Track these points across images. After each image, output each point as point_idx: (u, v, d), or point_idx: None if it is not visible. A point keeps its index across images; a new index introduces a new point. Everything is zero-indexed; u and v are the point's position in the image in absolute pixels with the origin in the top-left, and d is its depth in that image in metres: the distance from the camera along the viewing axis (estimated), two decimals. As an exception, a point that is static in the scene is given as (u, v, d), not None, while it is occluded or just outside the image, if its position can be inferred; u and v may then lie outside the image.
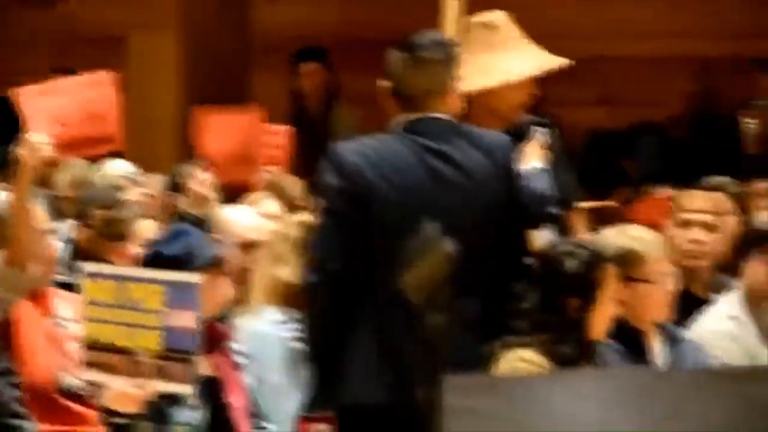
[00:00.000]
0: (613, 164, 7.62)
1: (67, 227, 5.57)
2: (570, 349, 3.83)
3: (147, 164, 7.24)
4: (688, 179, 6.15)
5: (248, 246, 5.11)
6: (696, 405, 1.81)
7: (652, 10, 7.89)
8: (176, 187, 6.69)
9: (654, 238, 4.24)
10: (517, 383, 1.83)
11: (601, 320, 3.90)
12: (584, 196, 6.80)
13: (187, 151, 7.50)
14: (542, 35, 7.35)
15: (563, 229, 4.43)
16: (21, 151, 4.59)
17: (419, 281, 1.96)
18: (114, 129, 4.62)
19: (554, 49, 5.93)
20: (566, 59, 4.45)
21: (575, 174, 5.22)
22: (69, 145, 4.59)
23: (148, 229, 5.43)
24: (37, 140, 4.56)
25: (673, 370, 2.91)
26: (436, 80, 3.98)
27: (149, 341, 3.89)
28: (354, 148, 4.02)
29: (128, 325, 3.91)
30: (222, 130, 6.78)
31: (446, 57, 4.01)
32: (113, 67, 8.39)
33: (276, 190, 6.51)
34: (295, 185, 6.71)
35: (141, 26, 8.48)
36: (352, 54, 8.37)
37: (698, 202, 4.78)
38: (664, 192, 6.46)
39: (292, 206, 6.37)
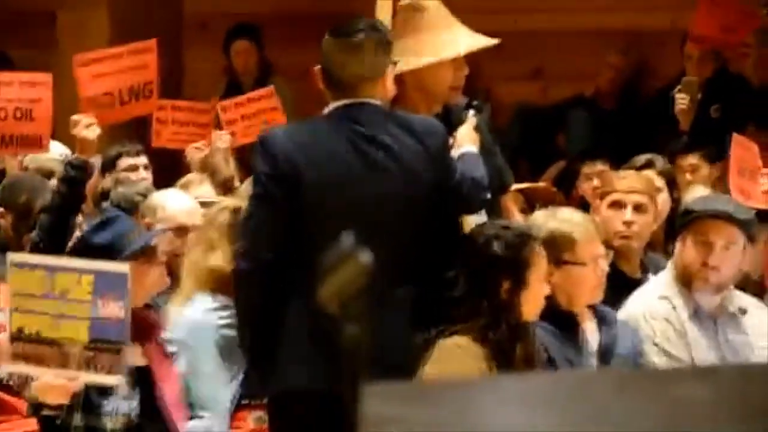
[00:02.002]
0: (546, 139, 7.64)
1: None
2: (503, 333, 3.84)
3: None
4: (619, 154, 6.18)
5: (181, 231, 5.06)
6: (621, 406, 1.81)
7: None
8: (111, 166, 6.61)
9: (585, 220, 4.25)
10: (440, 389, 1.82)
11: (532, 302, 3.91)
12: (517, 172, 6.84)
13: (120, 130, 7.42)
14: (474, 10, 7.33)
15: (496, 212, 4.43)
16: None
17: (335, 293, 1.94)
18: (44, 131, 4.57)
19: (486, 24, 5.92)
20: (495, 39, 4.44)
21: (508, 153, 5.23)
22: None
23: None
24: None
25: (599, 372, 2.92)
26: (368, 66, 3.97)
27: (77, 332, 3.85)
28: (285, 134, 4.01)
29: (56, 315, 3.86)
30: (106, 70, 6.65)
31: (378, 42, 4.00)
32: (43, 43, 8.36)
33: (209, 171, 6.46)
34: (228, 166, 6.66)
35: (71, 2, 8.36)
36: (286, 29, 8.32)
37: (629, 182, 4.79)
38: (596, 166, 6.48)
39: (225, 188, 6.33)
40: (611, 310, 4.33)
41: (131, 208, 5.41)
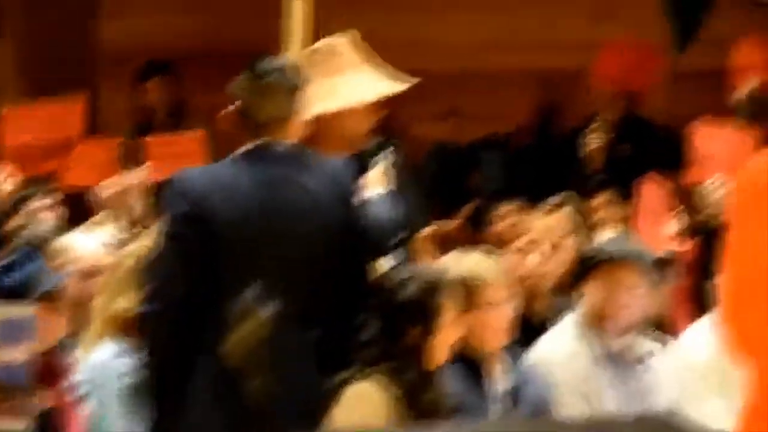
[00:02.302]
0: (460, 178, 7.67)
1: None
2: (412, 377, 3.83)
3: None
4: (533, 194, 6.22)
5: (89, 273, 5.00)
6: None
7: (496, 23, 7.96)
8: (19, 206, 6.52)
9: (493, 263, 4.27)
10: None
11: (442, 346, 3.91)
12: (432, 212, 6.86)
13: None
14: (390, 50, 7.38)
15: (408, 254, 4.44)
16: None
17: (239, 346, 1.93)
18: None
19: (402, 64, 5.94)
20: (409, 81, 4.46)
21: (422, 193, 5.25)
22: None
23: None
24: None
25: (500, 421, 2.93)
26: (282, 107, 3.98)
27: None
28: (199, 174, 4.01)
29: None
30: (26, 122, 6.61)
31: (292, 83, 4.01)
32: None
33: (119, 211, 6.40)
34: (138, 205, 6.61)
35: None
36: (201, 68, 8.29)
37: (540, 224, 4.83)
38: (510, 207, 6.51)
39: (135, 228, 6.28)
40: (520, 353, 4.35)
41: (39, 247, 5.35)
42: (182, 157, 6.37)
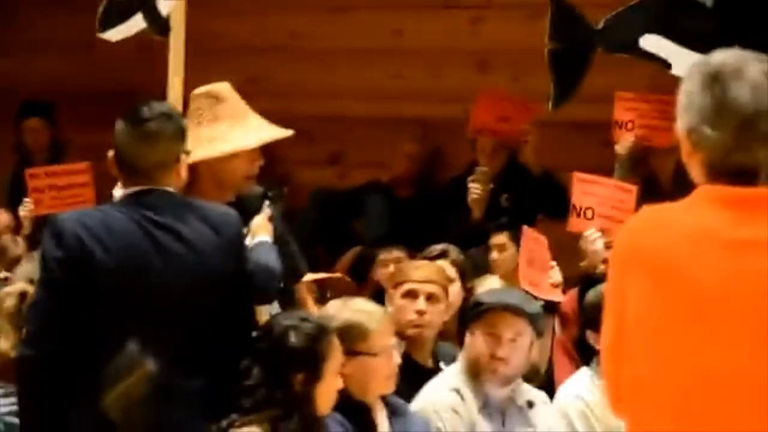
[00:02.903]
0: (342, 224, 7.69)
1: None
2: (295, 425, 3.81)
3: None
4: (415, 241, 6.26)
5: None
6: None
7: (382, 69, 8.02)
8: None
9: (377, 310, 4.27)
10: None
11: (326, 394, 3.90)
12: (314, 256, 6.85)
13: None
14: (275, 95, 7.41)
15: (290, 301, 4.43)
16: None
17: (119, 400, 1.90)
18: None
19: (287, 109, 5.95)
20: (289, 130, 4.47)
21: (304, 239, 5.24)
22: None
23: None
24: None
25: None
26: (163, 153, 3.93)
27: None
28: (76, 218, 3.93)
29: None
30: None
31: (173, 130, 3.96)
32: None
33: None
34: (16, 245, 6.50)
35: None
36: (77, 107, 8.20)
37: (422, 272, 4.85)
38: (392, 253, 6.54)
39: (12, 267, 6.17)
40: (402, 400, 4.35)
41: None
42: (66, 189, 6.29)
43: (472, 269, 5.55)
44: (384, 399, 4.27)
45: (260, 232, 4.23)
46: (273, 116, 4.56)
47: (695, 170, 2.75)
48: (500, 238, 6.13)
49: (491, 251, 6.10)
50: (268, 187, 4.49)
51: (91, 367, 3.76)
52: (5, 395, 4.39)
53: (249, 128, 4.38)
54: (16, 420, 4.16)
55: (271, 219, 4.32)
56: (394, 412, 4.27)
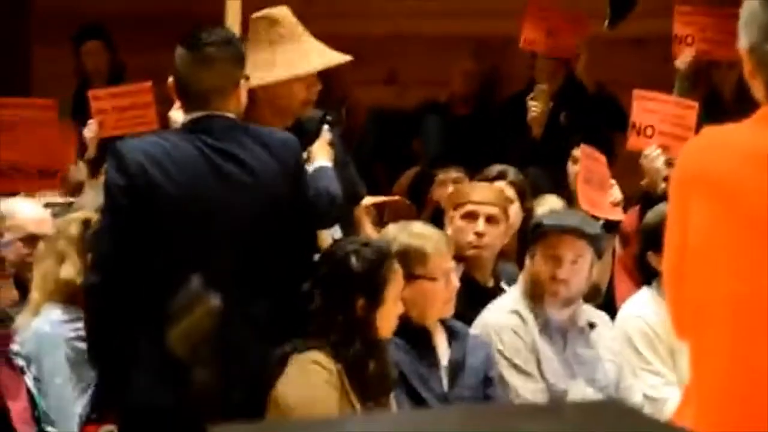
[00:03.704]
0: (401, 144, 7.67)
1: None
2: (358, 349, 3.84)
3: None
4: (473, 160, 6.24)
5: (30, 240, 4.96)
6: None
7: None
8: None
9: (436, 234, 4.27)
10: (287, 429, 1.82)
11: (387, 319, 3.92)
12: (373, 176, 6.86)
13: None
14: (328, 15, 7.37)
15: (349, 225, 4.44)
16: None
17: (184, 337, 1.92)
18: None
19: (340, 29, 5.92)
20: (346, 55, 4.45)
21: (363, 158, 5.25)
22: None
23: None
24: None
25: (443, 410, 2.95)
26: (222, 79, 3.94)
27: None
28: (137, 146, 3.96)
29: None
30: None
31: (231, 55, 3.97)
32: None
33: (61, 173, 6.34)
34: (78, 170, 6.55)
35: None
36: (135, 29, 8.21)
37: (481, 193, 4.84)
38: (451, 173, 6.53)
39: (75, 192, 6.23)
40: (461, 323, 4.37)
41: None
42: (129, 110, 6.31)
43: (531, 189, 5.52)
44: (443, 322, 4.29)
45: (320, 156, 4.24)
46: (328, 37, 4.55)
47: (758, 89, 2.71)
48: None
49: (573, 164, 5.98)
50: (326, 111, 4.49)
51: (156, 292, 3.82)
52: (72, 320, 4.46)
53: (307, 53, 4.37)
54: (83, 345, 4.23)
55: (330, 143, 4.33)
56: (453, 336, 4.30)
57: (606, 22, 5.17)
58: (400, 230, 4.23)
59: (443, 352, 4.25)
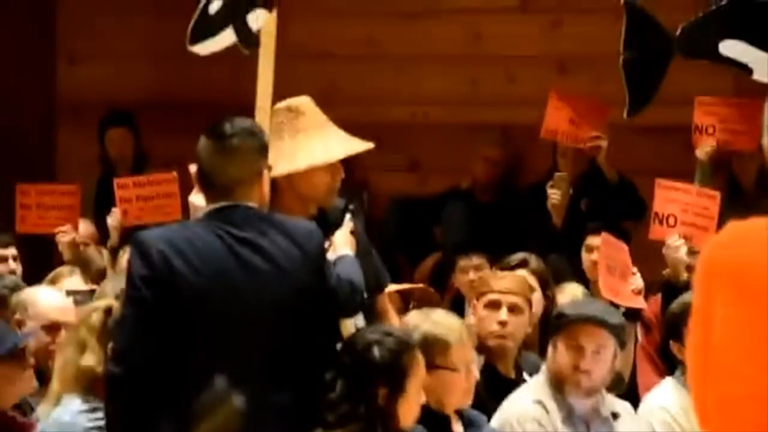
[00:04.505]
0: (422, 231, 7.68)
1: None
2: (380, 438, 3.82)
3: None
4: (495, 247, 6.24)
5: (52, 328, 4.97)
6: None
7: (460, 76, 8.01)
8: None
9: (458, 324, 4.26)
10: None
11: (409, 409, 3.90)
12: (394, 263, 6.86)
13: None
14: (349, 102, 7.43)
15: (373, 313, 4.44)
16: None
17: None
18: None
19: (362, 116, 5.96)
20: (369, 142, 4.48)
21: (385, 248, 5.25)
22: None
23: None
24: None
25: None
26: (245, 169, 3.96)
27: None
28: (160, 235, 3.97)
29: None
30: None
31: (255, 145, 4.00)
32: None
33: (81, 263, 6.37)
34: (100, 257, 6.58)
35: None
36: (160, 116, 8.28)
37: (504, 283, 4.84)
38: (472, 260, 6.53)
39: (98, 279, 6.24)
40: (478, 412, 4.34)
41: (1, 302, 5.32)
42: (153, 200, 6.34)
43: (552, 276, 5.52)
44: (460, 411, 4.27)
45: (342, 245, 4.25)
46: (351, 123, 4.58)
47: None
48: (597, 240, 6.06)
49: (588, 253, 5.98)
50: (350, 200, 4.50)
51: (177, 384, 3.81)
52: (92, 410, 4.44)
53: (330, 142, 4.40)
54: (104, 435, 4.21)
55: (353, 232, 4.34)
56: (469, 425, 4.27)
57: (625, 111, 5.19)
58: (422, 319, 4.23)
59: (462, 442, 4.22)
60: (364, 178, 7.73)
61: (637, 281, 5.34)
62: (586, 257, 6.00)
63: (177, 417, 3.70)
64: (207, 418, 1.89)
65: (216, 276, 3.87)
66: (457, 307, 5.86)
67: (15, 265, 6.45)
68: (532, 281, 5.13)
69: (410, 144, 8.04)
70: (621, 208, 6.70)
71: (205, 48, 4.95)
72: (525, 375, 4.76)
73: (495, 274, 5.07)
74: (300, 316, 3.93)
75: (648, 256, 5.68)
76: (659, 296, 5.45)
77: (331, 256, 4.15)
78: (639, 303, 5.31)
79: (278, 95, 4.64)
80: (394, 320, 4.60)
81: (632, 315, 5.18)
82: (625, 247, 5.42)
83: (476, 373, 4.24)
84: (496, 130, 7.77)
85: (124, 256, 5.59)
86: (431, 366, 4.07)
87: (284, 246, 3.94)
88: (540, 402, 4.41)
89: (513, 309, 4.77)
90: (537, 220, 6.76)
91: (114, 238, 6.47)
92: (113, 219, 6.44)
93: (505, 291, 4.79)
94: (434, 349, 4.11)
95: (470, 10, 8.02)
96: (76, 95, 8.62)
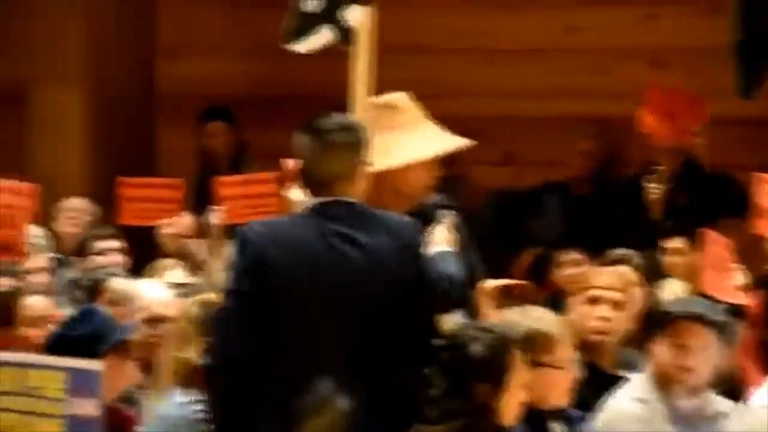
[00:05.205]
0: (518, 225, 7.66)
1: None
2: (481, 435, 3.82)
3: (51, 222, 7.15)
4: (593, 241, 6.21)
5: (155, 321, 5.04)
6: None
7: (552, 70, 7.98)
8: (84, 250, 6.60)
9: (559, 321, 4.24)
10: None
11: (511, 406, 3.89)
12: (489, 258, 6.84)
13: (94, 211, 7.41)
14: (449, 94, 7.43)
15: (470, 309, 4.44)
16: None
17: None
18: (21, 240, 4.48)
19: (459, 110, 5.95)
20: (465, 139, 4.48)
21: (481, 243, 5.23)
22: None
23: (40, 306, 5.23)
24: None
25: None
26: (344, 164, 3.99)
27: (52, 429, 3.81)
28: (261, 230, 4.02)
29: (29, 413, 3.82)
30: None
31: (353, 141, 4.02)
32: (13, 120, 8.34)
33: (183, 256, 6.46)
34: (201, 249, 6.66)
35: (43, 80, 8.36)
36: (258, 109, 8.35)
37: (605, 278, 4.81)
38: (571, 255, 6.50)
39: (198, 271, 6.32)
40: (577, 410, 4.31)
41: (95, 291, 5.42)
42: (255, 198, 6.41)
43: (652, 272, 5.48)
44: (559, 410, 4.24)
45: (440, 240, 4.26)
46: (447, 117, 4.58)
47: None
48: (676, 242, 6.03)
49: (667, 255, 5.99)
50: (447, 195, 4.51)
51: (276, 375, 3.85)
52: (194, 402, 4.49)
53: (427, 138, 4.41)
54: (205, 427, 4.27)
55: (450, 227, 4.34)
56: (568, 422, 4.25)
57: (742, 92, 5.10)
58: (521, 316, 4.21)
59: (558, 438, 4.20)
60: (461, 173, 7.72)
61: (740, 277, 5.28)
62: (667, 259, 5.96)
63: (275, 409, 3.75)
64: (312, 420, 1.91)
65: (314, 271, 3.91)
66: (556, 303, 5.84)
67: (120, 257, 6.55)
68: (633, 277, 5.10)
69: (505, 137, 8.02)
70: (720, 203, 6.63)
71: (301, 46, 4.97)
72: (626, 372, 4.73)
73: (596, 270, 5.05)
74: (397, 310, 3.94)
75: (751, 252, 5.62)
76: (763, 292, 5.38)
77: (429, 251, 4.16)
78: (742, 299, 5.24)
79: (374, 89, 4.66)
80: (492, 316, 4.59)
81: (735, 312, 5.11)
82: (727, 243, 5.36)
83: (577, 371, 4.21)
84: (592, 122, 7.73)
85: (225, 249, 5.66)
86: (535, 363, 4.05)
87: (383, 241, 3.97)
88: (642, 400, 4.37)
89: (614, 305, 4.74)
90: (633, 214, 6.72)
91: (215, 234, 6.55)
92: (215, 217, 6.52)
93: (607, 287, 4.76)
94: (538, 345, 4.09)
95: (566, 2, 7.98)
96: (175, 90, 8.72)
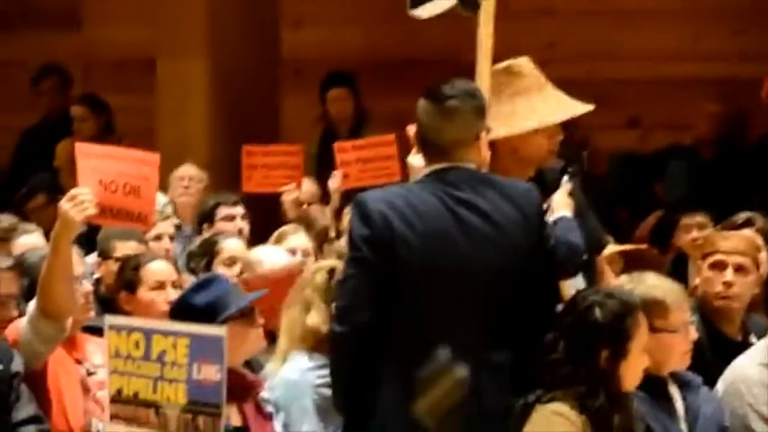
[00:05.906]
0: (644, 188, 7.58)
1: (92, 262, 5.56)
2: (603, 401, 3.79)
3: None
4: (718, 204, 6.10)
5: (279, 288, 5.08)
6: None
7: (679, 33, 7.85)
8: (209, 217, 6.69)
9: (674, 286, 4.18)
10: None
11: (632, 371, 3.86)
12: (615, 220, 6.79)
13: (218, 178, 7.52)
14: (573, 57, 7.37)
15: (591, 274, 4.40)
16: (65, 205, 4.41)
17: (432, 407, 1.93)
18: (149, 210, 4.54)
19: (583, 73, 5.89)
20: (588, 105, 4.42)
21: (605, 202, 5.19)
22: (103, 211, 4.49)
23: (166, 272, 5.31)
24: (84, 197, 4.39)
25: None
26: (464, 130, 3.97)
27: (175, 394, 3.86)
28: (381, 197, 4.01)
29: (153, 378, 3.88)
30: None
31: (473, 107, 4.00)
32: (140, 89, 8.47)
33: (305, 222, 6.50)
34: (324, 216, 6.70)
35: (169, 51, 8.48)
36: (379, 76, 8.37)
37: (731, 243, 4.73)
38: (695, 218, 6.41)
39: (321, 238, 6.37)
40: (694, 374, 4.26)
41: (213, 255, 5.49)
42: (372, 162, 6.42)
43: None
44: (675, 374, 4.20)
45: (561, 207, 4.22)
46: (570, 81, 4.53)
47: None
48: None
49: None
50: (568, 161, 4.46)
51: (398, 342, 3.86)
52: (318, 368, 4.54)
53: (549, 104, 4.36)
54: (330, 392, 4.31)
55: (571, 194, 4.30)
56: (684, 386, 4.20)
57: None
58: (636, 282, 4.16)
59: (678, 402, 4.15)
60: (584, 137, 7.65)
61: None
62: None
63: (398, 373, 3.76)
64: (430, 388, 1.90)
65: (435, 236, 3.90)
66: (679, 266, 5.76)
67: (243, 224, 6.62)
68: (759, 241, 5.00)
69: (631, 100, 7.93)
70: None
71: (424, 12, 4.95)
72: (752, 338, 4.65)
73: (721, 234, 4.96)
74: (518, 276, 3.93)
75: None
76: None
77: (549, 217, 4.13)
78: None
79: (497, 54, 4.61)
80: (613, 281, 4.55)
81: None
82: None
83: (694, 335, 4.16)
84: (719, 85, 7.59)
85: (346, 216, 5.70)
86: (650, 329, 4.01)
87: (503, 207, 3.94)
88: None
89: (739, 269, 4.66)
90: (762, 178, 6.59)
91: (335, 199, 6.58)
92: (334, 182, 6.55)
93: (732, 251, 4.68)
94: (653, 311, 4.05)
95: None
96: (299, 57, 8.77)
